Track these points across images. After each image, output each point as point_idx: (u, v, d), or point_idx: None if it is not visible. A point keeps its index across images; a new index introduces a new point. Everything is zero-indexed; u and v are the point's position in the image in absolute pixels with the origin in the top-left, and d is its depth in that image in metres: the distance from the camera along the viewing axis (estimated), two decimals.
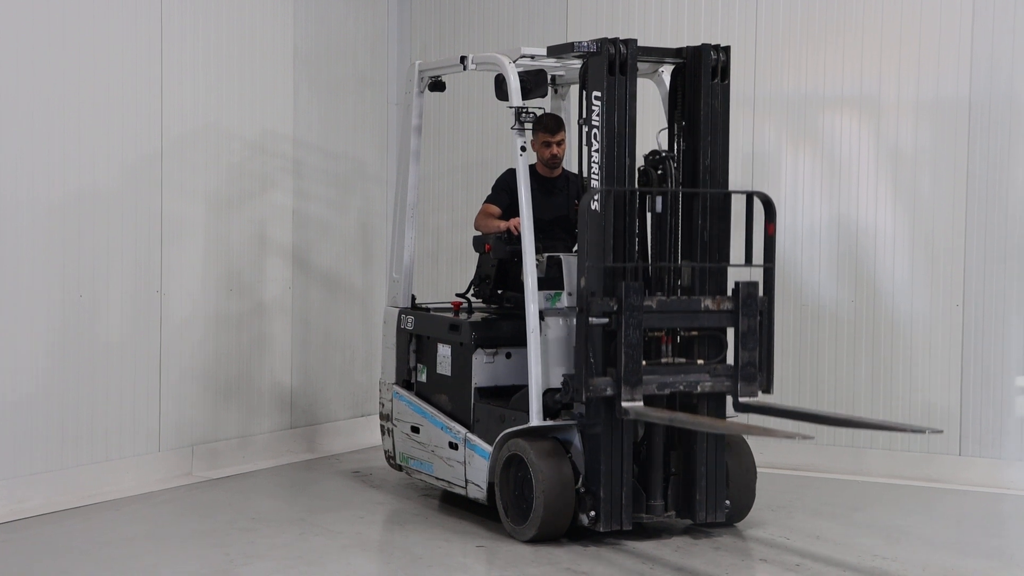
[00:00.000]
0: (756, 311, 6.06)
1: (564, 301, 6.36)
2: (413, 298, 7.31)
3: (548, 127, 6.80)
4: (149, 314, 7.31)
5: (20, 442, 6.59)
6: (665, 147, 6.36)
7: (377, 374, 8.42)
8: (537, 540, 5.98)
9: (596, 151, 5.99)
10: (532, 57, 6.56)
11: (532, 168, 7.15)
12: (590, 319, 5.81)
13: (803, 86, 8.01)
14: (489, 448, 6.33)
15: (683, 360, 6.11)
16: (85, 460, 6.91)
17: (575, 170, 7.21)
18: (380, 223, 9.05)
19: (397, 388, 7.20)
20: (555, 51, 6.32)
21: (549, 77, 6.73)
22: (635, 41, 6.04)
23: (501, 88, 6.49)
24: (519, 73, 6.38)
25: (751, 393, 6.06)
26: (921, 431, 5.51)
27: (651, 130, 6.39)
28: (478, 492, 6.43)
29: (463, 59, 6.88)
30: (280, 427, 8.27)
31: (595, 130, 5.99)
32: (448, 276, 8.97)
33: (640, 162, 6.25)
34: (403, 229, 7.32)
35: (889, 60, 7.77)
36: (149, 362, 7.31)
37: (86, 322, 6.94)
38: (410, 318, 7.15)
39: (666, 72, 6.58)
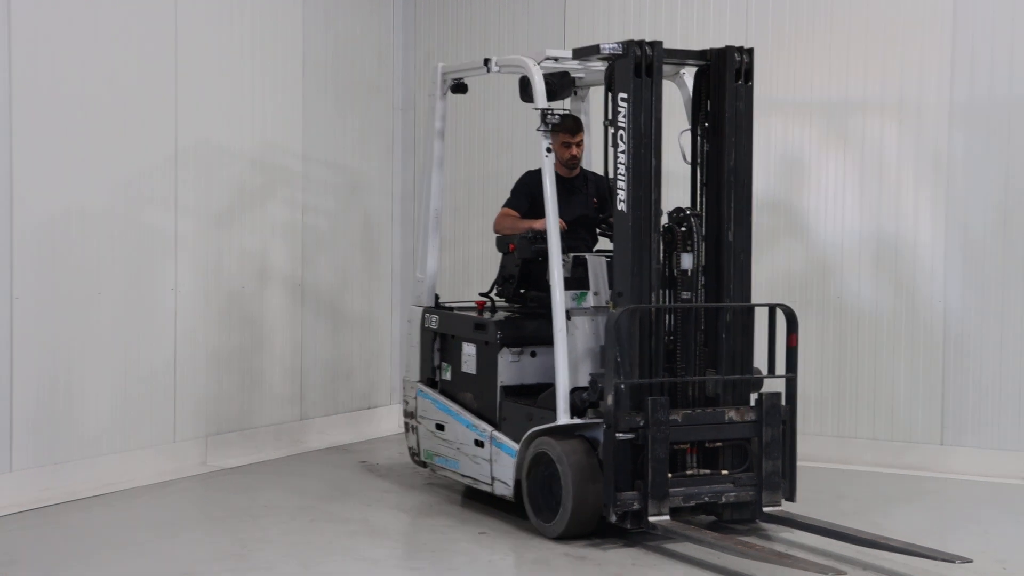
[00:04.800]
0: (779, 421, 5.69)
1: (590, 301, 6.00)
2: (437, 297, 6.97)
3: (568, 128, 6.45)
4: (164, 311, 7.15)
5: (45, 434, 6.45)
6: (688, 153, 6.02)
7: (381, 369, 8.80)
8: (565, 537, 5.59)
9: (622, 152, 5.62)
10: (556, 59, 6.24)
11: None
12: (617, 435, 5.43)
13: (836, 89, 7.68)
14: (516, 446, 5.94)
15: (708, 471, 5.70)
16: (106, 450, 6.78)
17: (594, 170, 6.94)
18: (385, 223, 8.88)
19: (421, 386, 6.81)
20: (580, 53, 5.95)
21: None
22: (661, 43, 5.65)
23: (526, 90, 6.13)
24: (544, 75, 6.07)
25: (775, 502, 5.68)
26: (951, 560, 5.03)
27: (669, 133, 6.03)
28: (505, 489, 6.06)
29: (487, 61, 6.52)
30: (290, 419, 8.10)
31: (621, 131, 5.62)
32: (451, 276, 8.61)
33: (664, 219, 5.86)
34: (427, 230, 6.96)
35: (926, 63, 7.41)
36: (164, 357, 7.15)
37: (106, 319, 6.77)
38: (434, 317, 6.77)
39: (687, 74, 6.26)
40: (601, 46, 5.71)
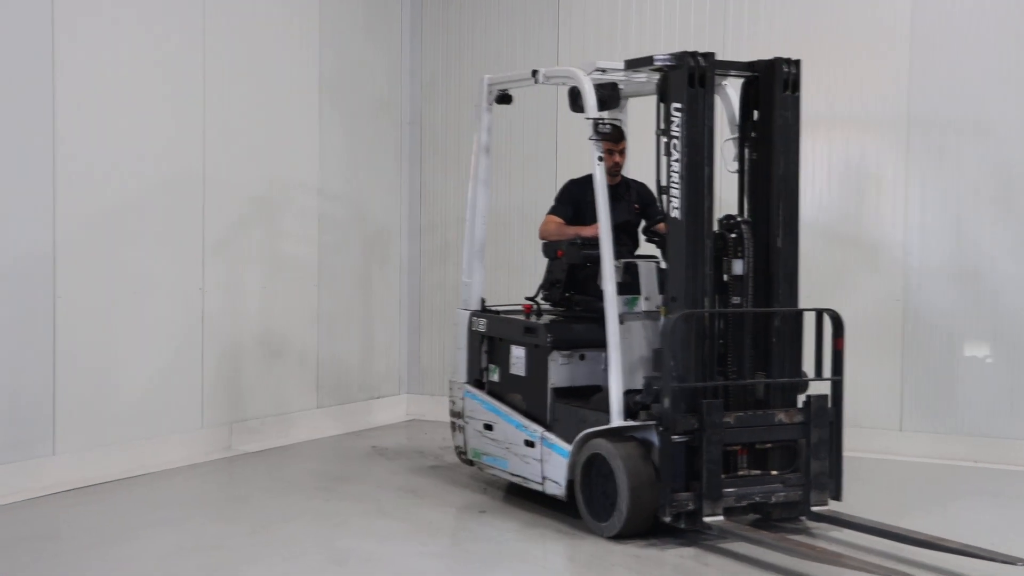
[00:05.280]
0: (827, 423, 5.79)
1: (641, 305, 6.11)
2: (483, 301, 7.07)
3: (611, 136, 6.53)
4: (192, 308, 7.61)
5: (84, 421, 6.88)
6: (732, 161, 6.12)
7: (390, 363, 9.40)
8: (620, 536, 5.67)
9: (676, 161, 5.72)
10: (603, 70, 6.33)
11: (592, 177, 6.94)
12: (673, 437, 5.53)
13: (908, 103, 7.96)
14: (567, 447, 6.03)
15: (758, 471, 5.81)
16: (139, 436, 7.23)
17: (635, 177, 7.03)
18: (394, 229, 9.43)
19: (468, 387, 6.90)
20: (632, 64, 6.03)
21: None
22: (713, 55, 5.75)
23: (576, 101, 6.21)
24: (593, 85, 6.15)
25: (822, 502, 5.78)
26: (1013, 562, 5.09)
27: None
28: (556, 488, 6.13)
29: (534, 73, 6.59)
30: (308, 407, 8.60)
31: (675, 141, 5.73)
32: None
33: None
34: (473, 236, 7.04)
35: (997, 77, 7.69)
36: (193, 352, 7.61)
37: (141, 316, 7.24)
38: (482, 320, 6.86)
39: (729, 86, 6.36)
40: (654, 57, 5.79)
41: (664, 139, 5.77)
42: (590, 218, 6.67)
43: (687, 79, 5.65)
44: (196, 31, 7.57)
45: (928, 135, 7.89)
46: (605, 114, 6.10)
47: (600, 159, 6.01)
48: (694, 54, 5.70)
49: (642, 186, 6.94)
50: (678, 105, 5.69)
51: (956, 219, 7.81)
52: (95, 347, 6.92)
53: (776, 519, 5.89)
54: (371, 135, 9.14)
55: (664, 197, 5.77)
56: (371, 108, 9.14)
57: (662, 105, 5.80)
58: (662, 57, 5.76)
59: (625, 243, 6.71)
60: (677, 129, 5.69)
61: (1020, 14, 7.69)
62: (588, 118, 6.02)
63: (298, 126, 8.45)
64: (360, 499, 6.61)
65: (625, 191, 6.82)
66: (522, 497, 6.56)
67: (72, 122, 6.76)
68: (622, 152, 6.69)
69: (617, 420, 5.77)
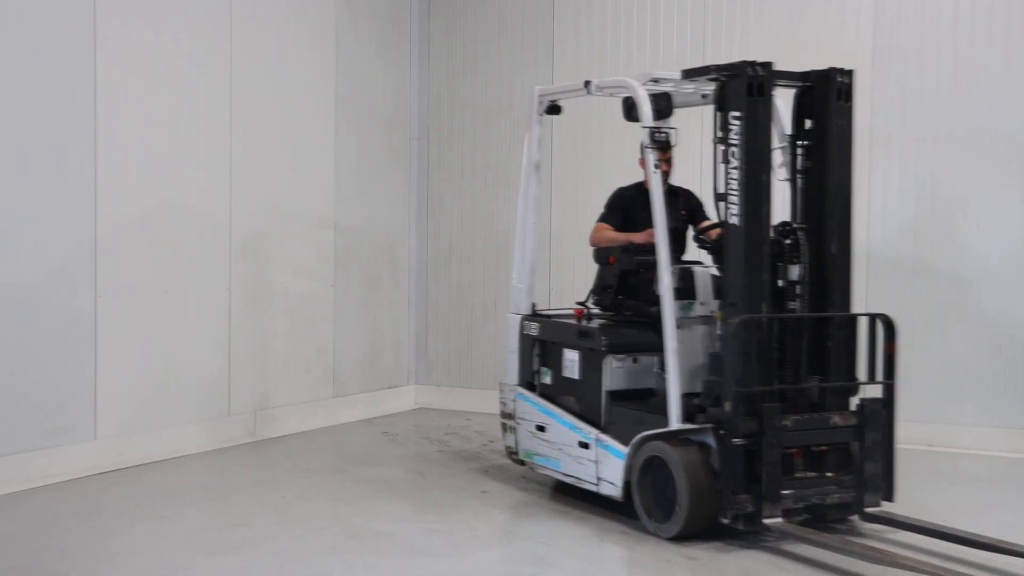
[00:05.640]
0: (880, 426, 5.86)
1: (697, 310, 6.20)
2: (533, 306, 7.14)
3: (660, 145, 6.64)
4: (220, 307, 8.19)
5: (122, 408, 7.44)
6: (783, 172, 6.19)
7: (400, 356, 10.11)
8: (679, 538, 5.75)
9: (735, 168, 5.79)
10: (656, 80, 6.40)
11: (642, 184, 7.02)
12: (733, 440, 5.59)
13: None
14: (623, 448, 6.11)
15: (813, 474, 5.86)
16: (171, 423, 7.79)
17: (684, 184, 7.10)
18: (404, 234, 10.12)
19: (520, 389, 6.98)
20: (690, 74, 6.10)
21: None
22: (771, 64, 5.84)
23: (631, 111, 6.27)
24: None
25: (875, 503, 5.84)
26: None
27: None
28: (612, 490, 6.20)
29: (587, 83, 6.64)
30: (325, 396, 9.23)
31: (733, 148, 5.81)
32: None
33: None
34: (525, 242, 7.12)
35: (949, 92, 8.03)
36: (219, 345, 8.20)
37: (170, 312, 7.80)
38: (533, 324, 6.93)
39: (778, 96, 6.41)
40: (712, 66, 5.87)
41: (721, 147, 5.84)
42: (639, 225, 6.75)
43: (746, 88, 5.73)
44: (224, 54, 8.15)
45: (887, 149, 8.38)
46: (661, 123, 6.16)
47: (656, 167, 6.07)
48: (752, 63, 5.77)
49: (688, 193, 7.02)
50: (736, 113, 5.75)
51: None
52: (132, 342, 7.47)
53: (829, 520, 5.97)
54: (382, 149, 9.80)
55: (722, 204, 5.84)
56: (382, 124, 9.78)
57: (719, 114, 5.87)
58: (721, 66, 5.83)
59: (673, 249, 6.74)
60: (736, 137, 5.76)
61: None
62: (644, 127, 6.09)
63: (316, 141, 9.07)
64: (372, 480, 7.15)
65: (673, 198, 6.87)
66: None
67: (111, 136, 7.30)
68: (669, 160, 6.75)
69: (676, 423, 5.84)
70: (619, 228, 6.82)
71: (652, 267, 6.34)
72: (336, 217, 9.27)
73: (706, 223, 6.79)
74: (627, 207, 6.85)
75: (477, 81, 9.91)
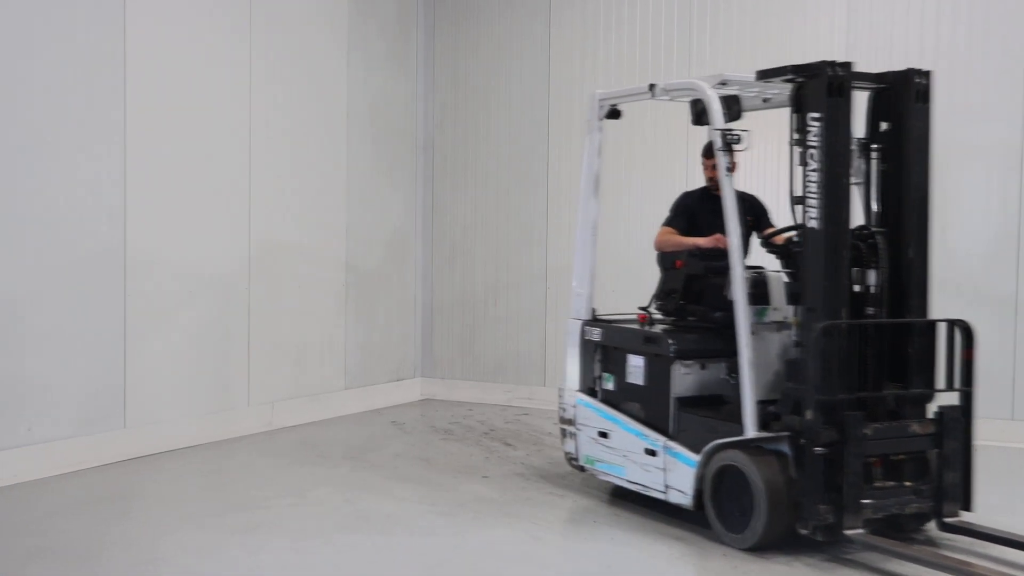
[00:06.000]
0: (959, 434, 5.71)
1: (771, 316, 6.05)
2: (594, 311, 6.99)
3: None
4: (239, 305, 8.70)
5: (150, 399, 7.91)
6: (857, 175, 6.04)
7: (406, 350, 10.68)
8: (756, 548, 5.60)
9: (813, 171, 5.63)
10: (725, 83, 6.25)
11: (706, 189, 6.89)
12: (815, 449, 5.43)
13: None
14: (694, 456, 5.97)
15: (892, 483, 5.69)
16: (195, 413, 8.30)
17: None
18: (410, 237, 10.71)
19: (581, 395, 6.81)
20: (765, 75, 5.89)
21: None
22: (851, 64, 5.69)
23: (702, 114, 6.12)
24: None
25: (954, 513, 5.71)
26: None
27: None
28: (681, 498, 6.04)
29: (652, 87, 6.47)
30: (337, 388, 9.78)
31: (812, 150, 5.65)
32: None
33: None
34: (585, 248, 6.96)
35: None
36: (239, 341, 8.70)
37: (194, 310, 8.26)
38: (595, 330, 6.76)
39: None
40: (790, 67, 5.71)
41: (799, 149, 5.69)
42: (704, 229, 6.61)
43: (826, 88, 5.57)
44: (244, 71, 8.66)
45: None
46: (733, 126, 6.01)
47: (729, 169, 5.92)
48: (832, 63, 5.61)
49: (752, 197, 6.87)
50: (816, 115, 5.58)
51: None
52: (159, 337, 7.95)
53: (906, 531, 5.81)
54: (391, 157, 10.41)
55: (799, 207, 5.69)
56: (391, 135, 10.40)
57: (796, 115, 5.72)
58: (799, 67, 5.68)
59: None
60: (815, 139, 5.59)
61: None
62: (716, 130, 5.93)
63: (329, 152, 9.63)
64: (381, 466, 7.59)
65: (739, 203, 6.74)
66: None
67: (140, 142, 7.76)
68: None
69: (752, 431, 5.69)
70: (684, 232, 6.67)
71: (720, 272, 6.20)
72: (348, 221, 9.81)
73: (771, 229, 6.65)
74: (692, 211, 6.71)
75: (478, 96, 10.52)
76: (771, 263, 6.30)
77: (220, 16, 8.45)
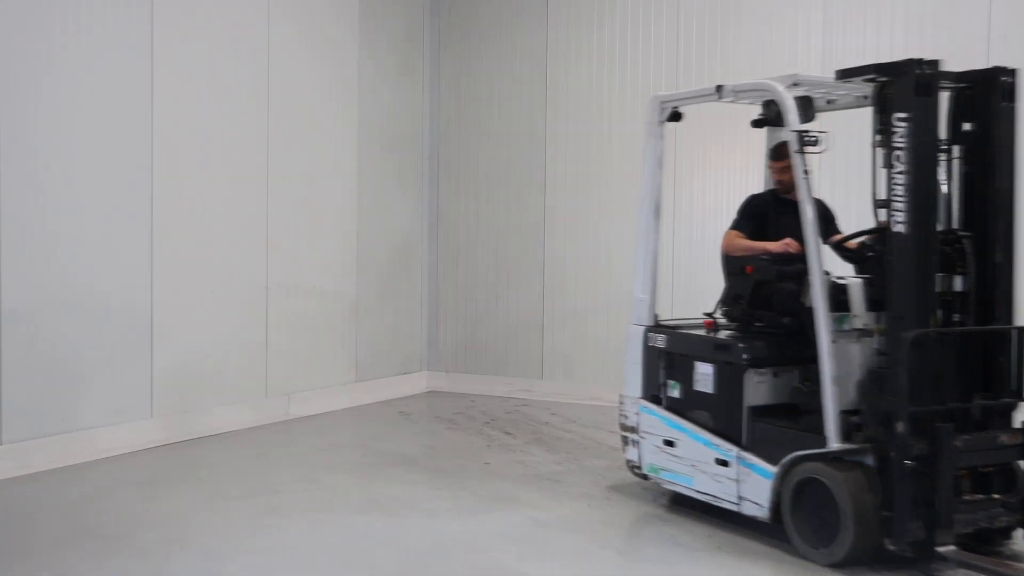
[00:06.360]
0: None
1: (851, 324, 5.82)
2: (656, 317, 6.77)
3: (785, 154, 6.28)
4: (258, 303, 9.20)
5: (175, 390, 8.37)
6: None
7: (413, 345, 11.16)
8: (841, 564, 5.38)
9: (900, 173, 5.41)
10: (797, 83, 6.03)
11: (774, 192, 6.68)
12: (906, 462, 5.20)
13: None
14: (770, 467, 5.75)
15: (981, 496, 5.45)
16: (217, 403, 8.75)
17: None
18: (417, 240, 11.24)
19: (644, 402, 6.60)
20: (847, 74, 5.65)
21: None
22: (938, 62, 5.47)
23: (777, 116, 5.89)
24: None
25: None
26: None
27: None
28: (756, 510, 5.83)
29: (719, 88, 6.25)
30: (349, 380, 10.26)
31: (898, 152, 5.43)
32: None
33: None
34: (647, 252, 6.73)
35: None
36: (257, 336, 9.19)
37: (215, 309, 8.74)
38: (659, 336, 6.55)
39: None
40: (875, 66, 5.49)
41: (883, 150, 5.46)
42: (772, 233, 6.40)
43: (913, 88, 5.34)
44: (262, 91, 9.19)
45: None
46: (808, 126, 5.79)
47: (806, 172, 5.70)
48: (919, 62, 5.38)
49: (820, 202, 6.65)
50: (902, 115, 5.35)
51: None
52: (183, 334, 8.43)
53: (993, 544, 5.59)
54: (398, 166, 10.94)
55: (884, 211, 5.46)
56: (398, 144, 10.91)
57: (879, 116, 5.49)
58: (884, 66, 5.45)
59: (804, 259, 6.41)
60: (901, 140, 5.36)
61: None
62: (793, 131, 5.71)
63: (341, 161, 10.12)
64: (390, 453, 8.01)
65: None
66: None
67: (165, 159, 8.26)
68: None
69: (835, 443, 5.46)
70: (752, 236, 6.44)
71: (791, 277, 5.98)
72: (359, 225, 10.35)
73: (840, 234, 6.42)
74: (761, 214, 6.48)
75: (481, 108, 11.05)
76: (838, 268, 6.07)
77: (241, 39, 8.99)
